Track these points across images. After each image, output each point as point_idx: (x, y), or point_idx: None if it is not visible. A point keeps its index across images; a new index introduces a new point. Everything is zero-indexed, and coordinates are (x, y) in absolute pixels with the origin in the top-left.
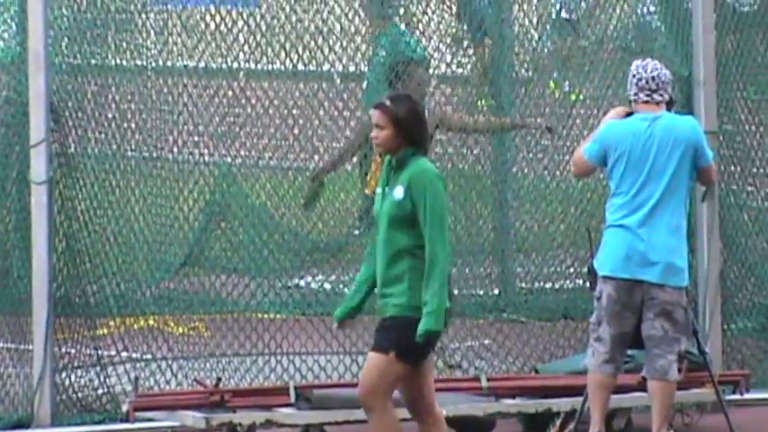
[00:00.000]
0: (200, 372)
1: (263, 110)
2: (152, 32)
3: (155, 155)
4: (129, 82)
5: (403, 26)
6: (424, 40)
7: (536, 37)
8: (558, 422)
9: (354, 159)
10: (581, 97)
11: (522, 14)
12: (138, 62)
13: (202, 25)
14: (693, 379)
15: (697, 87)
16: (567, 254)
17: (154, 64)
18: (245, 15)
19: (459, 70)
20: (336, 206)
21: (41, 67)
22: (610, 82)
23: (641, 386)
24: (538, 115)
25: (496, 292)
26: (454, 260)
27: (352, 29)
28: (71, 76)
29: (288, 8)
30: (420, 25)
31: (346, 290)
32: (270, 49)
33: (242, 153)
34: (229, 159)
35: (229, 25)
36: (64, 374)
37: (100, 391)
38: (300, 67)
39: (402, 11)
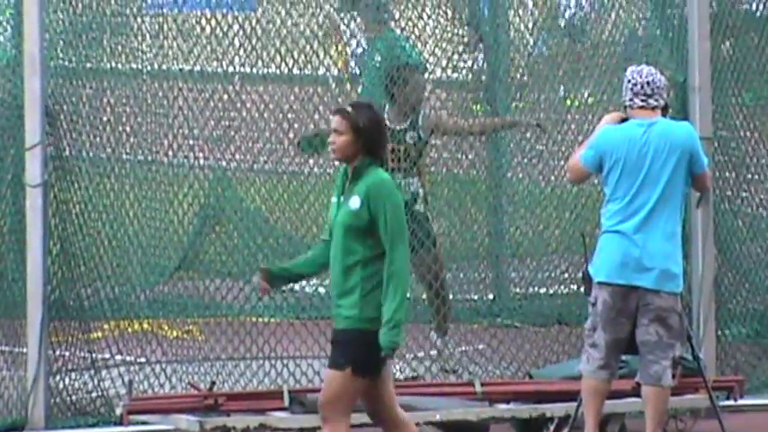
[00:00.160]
0: (194, 375)
1: (259, 114)
2: (147, 36)
3: (150, 158)
4: (125, 85)
5: (398, 31)
6: (419, 44)
7: (531, 42)
8: (551, 427)
9: None
10: (576, 102)
11: (517, 20)
12: (134, 65)
13: (198, 29)
14: (687, 385)
15: (692, 93)
16: (561, 259)
17: (149, 67)
18: (240, 19)
19: (455, 75)
20: None
21: (37, 70)
22: (605, 87)
23: (635, 391)
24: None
25: (491, 296)
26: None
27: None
28: (66, 79)
29: (283, 12)
30: (415, 30)
31: None
32: (265, 53)
33: (237, 157)
34: (224, 163)
35: (225, 29)
36: (58, 377)
37: (94, 395)
38: (296, 71)
39: (397, 15)
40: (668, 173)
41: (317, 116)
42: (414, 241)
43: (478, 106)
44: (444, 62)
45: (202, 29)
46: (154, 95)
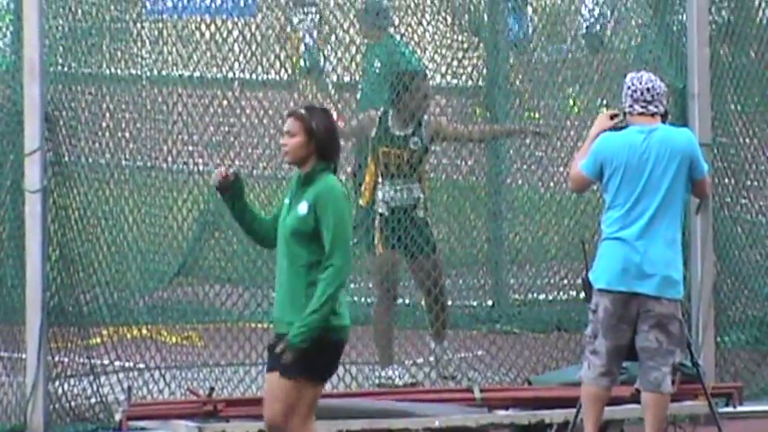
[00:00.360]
0: (193, 381)
1: (258, 120)
2: (147, 42)
3: (149, 164)
4: (124, 91)
5: (398, 37)
6: (418, 50)
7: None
8: None
9: (348, 170)
10: (575, 108)
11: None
12: (133, 71)
13: (197, 35)
14: (686, 391)
15: (691, 100)
16: (560, 265)
17: (149, 73)
18: (240, 25)
19: (454, 81)
20: None
21: (36, 76)
22: (604, 93)
23: (634, 398)
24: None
25: (490, 303)
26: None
27: (347, 39)
28: (66, 85)
29: (283, 18)
30: (415, 36)
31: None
32: (264, 59)
33: (236, 163)
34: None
35: (224, 35)
36: (57, 383)
37: (93, 401)
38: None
39: (397, 21)
40: (669, 179)
41: None
42: (413, 247)
43: (477, 111)
44: (444, 68)
45: (202, 35)
46: (153, 101)
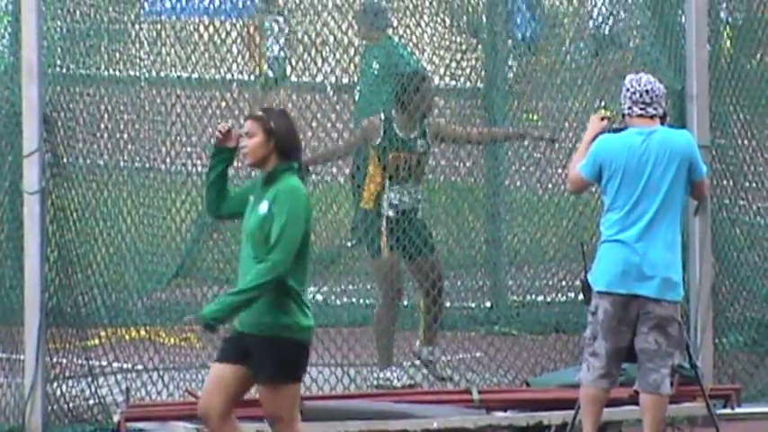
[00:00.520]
0: (191, 382)
1: None
2: (145, 43)
3: (147, 165)
4: (123, 92)
5: (396, 38)
6: (417, 52)
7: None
8: None
9: (347, 171)
10: (573, 111)
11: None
12: (132, 73)
13: (196, 36)
14: (685, 393)
15: (690, 101)
16: (558, 267)
17: (147, 74)
18: (238, 26)
19: (453, 83)
20: (329, 218)
21: (35, 78)
22: (602, 95)
23: (633, 399)
24: (531, 129)
25: (488, 304)
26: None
27: (346, 40)
28: (64, 86)
29: (281, 20)
30: (413, 37)
31: (338, 301)
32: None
33: (234, 164)
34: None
35: (223, 36)
36: (55, 385)
37: (91, 402)
38: (293, 78)
39: (395, 23)
40: (668, 181)
41: (314, 123)
42: (411, 248)
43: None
44: (442, 70)
45: (200, 36)
46: (152, 102)
